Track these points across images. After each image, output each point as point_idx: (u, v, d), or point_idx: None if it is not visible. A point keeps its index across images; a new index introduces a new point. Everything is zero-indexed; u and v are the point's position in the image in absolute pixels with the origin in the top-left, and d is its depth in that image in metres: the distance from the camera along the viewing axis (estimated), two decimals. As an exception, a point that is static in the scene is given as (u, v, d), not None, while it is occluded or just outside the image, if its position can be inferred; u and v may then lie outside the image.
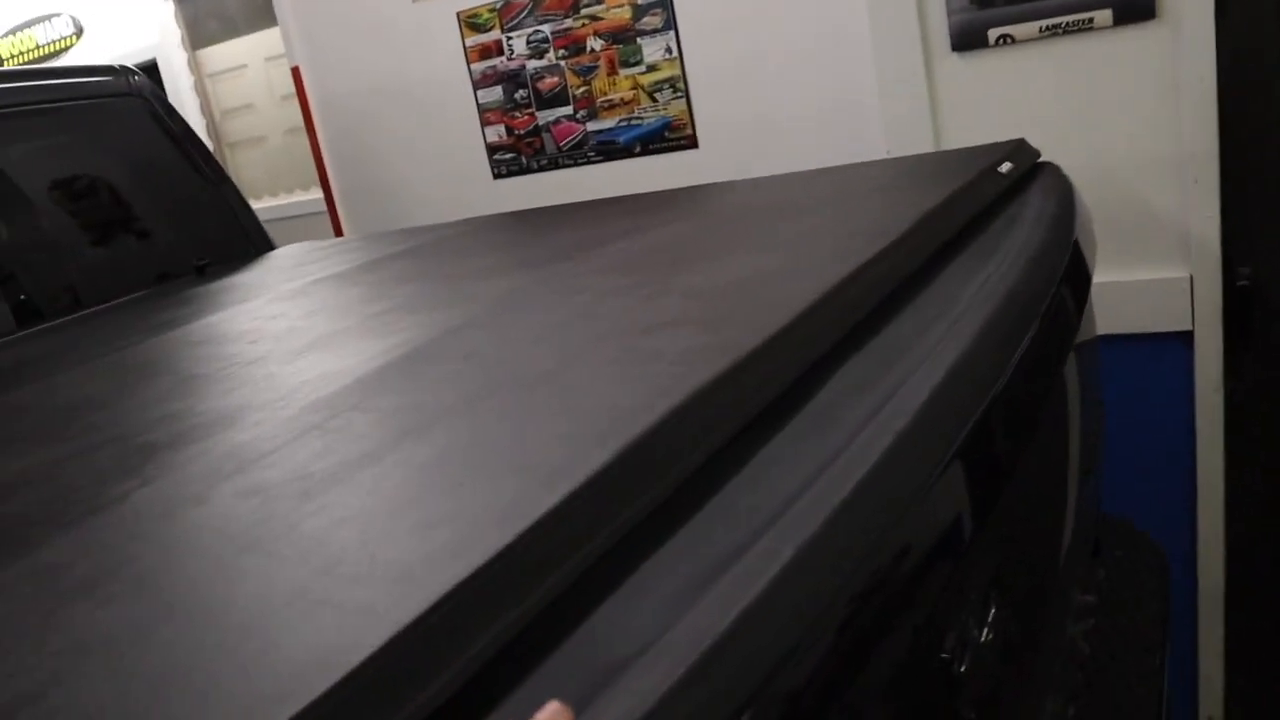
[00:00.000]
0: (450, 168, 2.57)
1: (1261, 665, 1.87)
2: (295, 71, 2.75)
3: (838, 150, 1.93)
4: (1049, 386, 0.80)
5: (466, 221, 1.70)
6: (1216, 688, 1.85)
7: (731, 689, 0.37)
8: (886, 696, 0.49)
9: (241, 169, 3.98)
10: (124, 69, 2.07)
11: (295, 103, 3.83)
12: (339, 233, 2.82)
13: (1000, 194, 1.11)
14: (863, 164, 1.36)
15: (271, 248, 2.14)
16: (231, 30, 3.80)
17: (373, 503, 0.51)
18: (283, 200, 3.89)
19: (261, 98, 3.90)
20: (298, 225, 3.52)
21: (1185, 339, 1.64)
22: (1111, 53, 1.59)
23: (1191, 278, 1.61)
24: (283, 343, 1.00)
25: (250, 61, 3.84)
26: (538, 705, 0.34)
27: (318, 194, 3.39)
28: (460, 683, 0.37)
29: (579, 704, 0.36)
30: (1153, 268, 1.63)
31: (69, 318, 1.74)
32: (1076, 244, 0.96)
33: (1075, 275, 0.92)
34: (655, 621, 0.41)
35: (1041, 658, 0.97)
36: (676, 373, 0.60)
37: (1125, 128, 1.62)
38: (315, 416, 0.67)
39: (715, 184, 1.51)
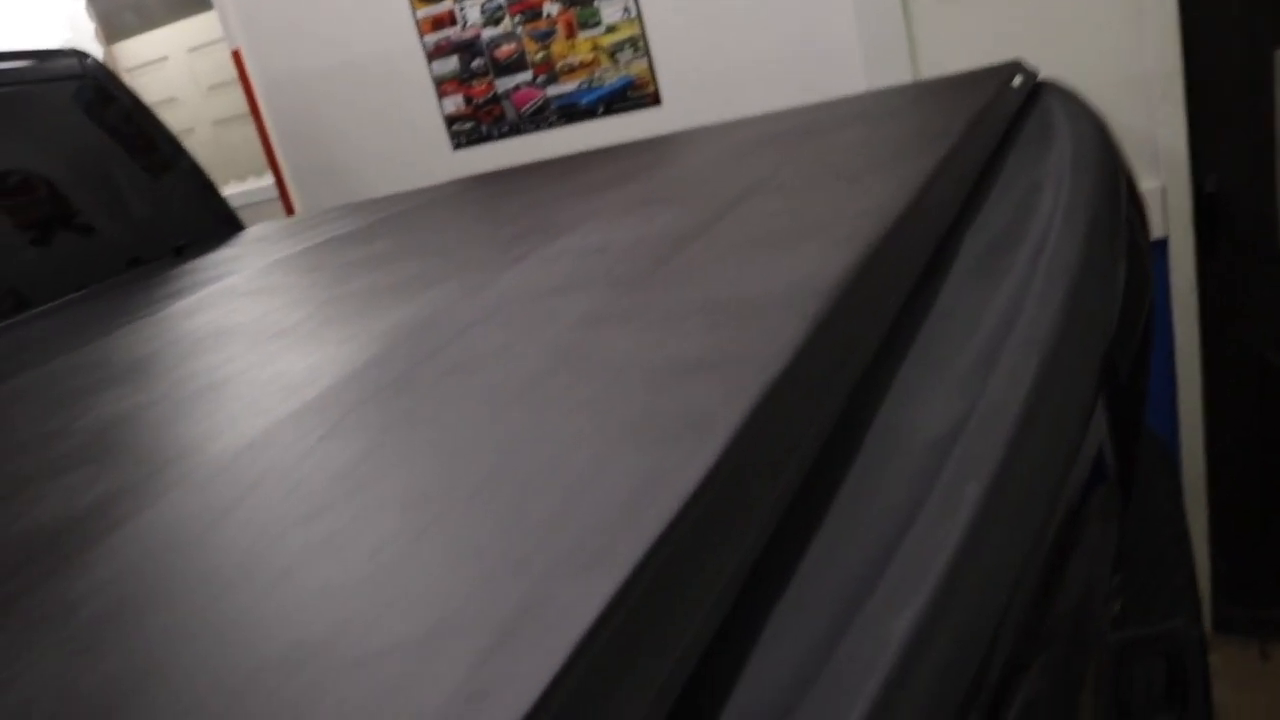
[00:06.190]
0: (408, 141, 2.54)
1: (1241, 547, 1.99)
2: (236, 55, 2.69)
3: (808, 96, 1.97)
4: (1148, 281, 0.84)
5: (455, 182, 1.69)
6: (1204, 571, 1.96)
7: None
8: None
9: (168, 165, 3.85)
10: (75, 51, 2.01)
11: (222, 93, 3.75)
12: (294, 216, 2.77)
13: (1020, 106, 1.16)
14: (864, 94, 1.40)
15: (241, 228, 2.10)
16: (149, 22, 3.68)
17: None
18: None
19: (185, 90, 3.79)
20: (243, 216, 3.44)
21: (1160, 246, 1.73)
22: (1078, -22, 1.66)
23: (1164, 188, 1.70)
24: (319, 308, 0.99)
25: (171, 53, 3.73)
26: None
27: (258, 183, 3.32)
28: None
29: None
30: (1127, 183, 1.71)
31: (47, 306, 1.68)
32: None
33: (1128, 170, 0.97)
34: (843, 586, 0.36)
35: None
36: (805, 270, 0.62)
37: (1092, 50, 1.69)
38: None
39: (712, 125, 1.54)
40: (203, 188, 2.07)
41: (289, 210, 2.78)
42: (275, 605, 0.35)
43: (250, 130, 3.22)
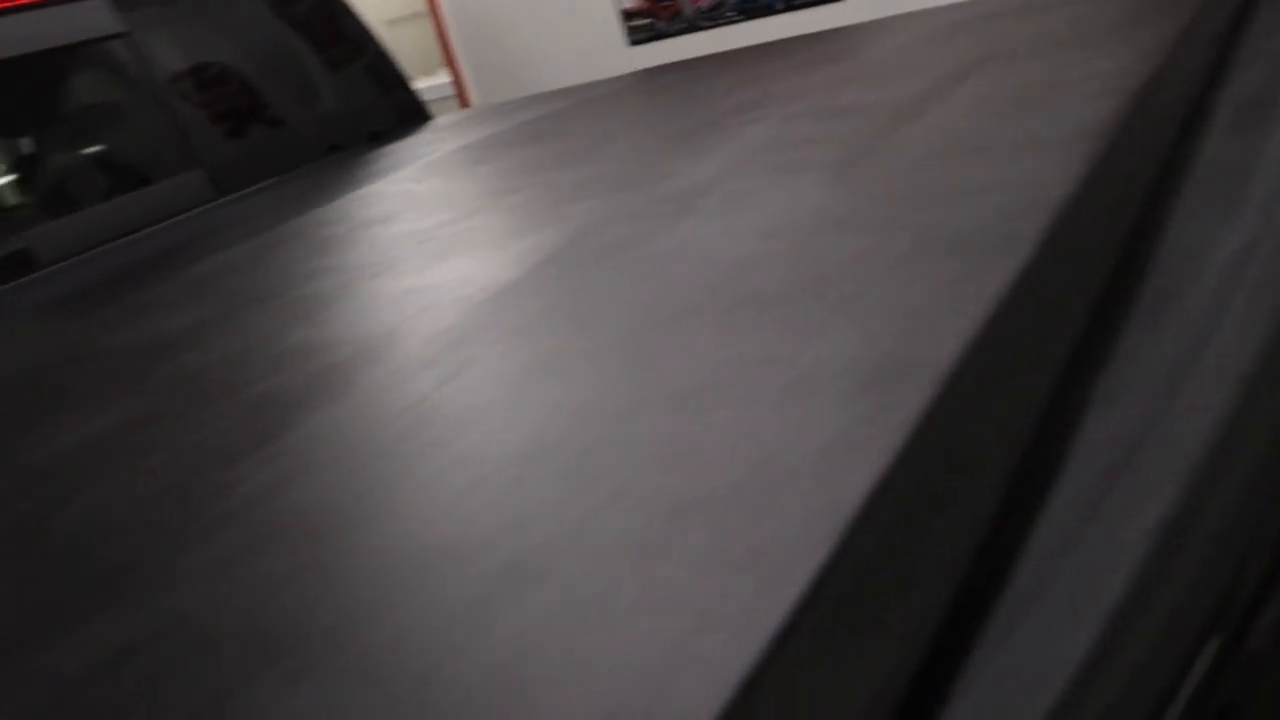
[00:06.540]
0: (584, 38, 2.57)
1: None
2: (418, -49, 2.75)
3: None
4: None
5: (645, 70, 1.71)
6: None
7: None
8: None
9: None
10: (276, -57, 2.09)
11: (396, -8, 3.83)
12: (470, 112, 2.84)
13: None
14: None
15: (429, 117, 2.18)
16: (328, -78, 3.78)
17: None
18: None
19: (360, -11, 3.89)
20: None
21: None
22: None
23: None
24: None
25: (347, -47, 3.83)
26: None
27: (432, 81, 3.40)
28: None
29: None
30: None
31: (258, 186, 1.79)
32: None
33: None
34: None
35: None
36: (1071, 119, 0.62)
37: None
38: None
39: (906, 13, 1.51)
40: (393, 78, 2.14)
41: (465, 108, 2.86)
42: (630, 379, 0.39)
43: (420, 30, 3.29)
